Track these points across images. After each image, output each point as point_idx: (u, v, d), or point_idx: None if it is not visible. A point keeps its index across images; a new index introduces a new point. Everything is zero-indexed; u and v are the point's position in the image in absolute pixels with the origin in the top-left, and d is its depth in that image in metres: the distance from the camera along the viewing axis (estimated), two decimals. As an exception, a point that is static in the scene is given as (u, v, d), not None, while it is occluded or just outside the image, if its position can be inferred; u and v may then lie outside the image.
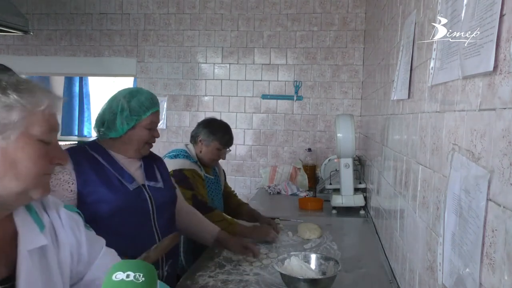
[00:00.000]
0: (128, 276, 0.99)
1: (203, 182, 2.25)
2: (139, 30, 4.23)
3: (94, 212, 1.46)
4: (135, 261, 1.09)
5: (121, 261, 1.08)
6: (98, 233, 1.48)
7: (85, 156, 1.55)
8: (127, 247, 1.33)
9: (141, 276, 1.01)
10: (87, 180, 1.48)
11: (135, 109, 1.58)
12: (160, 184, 1.67)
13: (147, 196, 1.59)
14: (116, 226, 1.48)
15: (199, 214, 1.95)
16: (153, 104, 1.63)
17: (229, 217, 2.18)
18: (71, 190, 1.46)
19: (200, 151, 2.26)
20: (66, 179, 1.46)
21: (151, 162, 1.73)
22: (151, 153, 1.79)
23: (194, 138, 2.31)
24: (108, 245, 1.44)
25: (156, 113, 1.65)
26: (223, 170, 2.57)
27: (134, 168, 1.65)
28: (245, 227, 2.13)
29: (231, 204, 2.50)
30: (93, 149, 1.60)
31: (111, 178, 1.53)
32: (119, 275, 1.00)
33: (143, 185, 1.62)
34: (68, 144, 3.77)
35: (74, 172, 1.47)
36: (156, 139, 1.71)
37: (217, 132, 2.26)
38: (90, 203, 1.47)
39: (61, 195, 1.45)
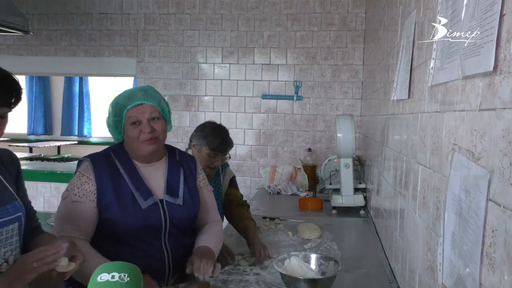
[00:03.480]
0: (113, 277, 1.00)
1: None
2: (139, 30, 4.23)
3: (107, 225, 1.51)
4: (119, 262, 1.09)
5: (105, 264, 1.09)
6: (113, 241, 1.53)
7: (107, 165, 1.54)
8: (136, 259, 1.33)
9: (126, 276, 1.01)
10: (104, 194, 1.50)
11: (116, 112, 1.54)
12: (179, 201, 1.59)
13: (161, 213, 1.54)
14: (126, 240, 1.52)
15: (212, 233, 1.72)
16: (130, 100, 1.52)
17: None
18: (95, 202, 1.50)
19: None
20: (92, 190, 1.50)
21: (179, 171, 1.65)
22: (185, 155, 1.74)
23: (190, 142, 2.17)
24: (119, 254, 1.48)
25: (135, 108, 1.51)
26: (234, 177, 2.35)
27: (156, 179, 1.59)
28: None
29: (234, 213, 2.22)
30: (117, 155, 1.58)
31: (126, 195, 1.51)
32: (104, 277, 1.00)
33: (161, 200, 1.56)
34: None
35: (95, 183, 1.50)
36: None
37: (207, 136, 2.06)
38: (104, 218, 1.51)
39: (88, 207, 1.49)
